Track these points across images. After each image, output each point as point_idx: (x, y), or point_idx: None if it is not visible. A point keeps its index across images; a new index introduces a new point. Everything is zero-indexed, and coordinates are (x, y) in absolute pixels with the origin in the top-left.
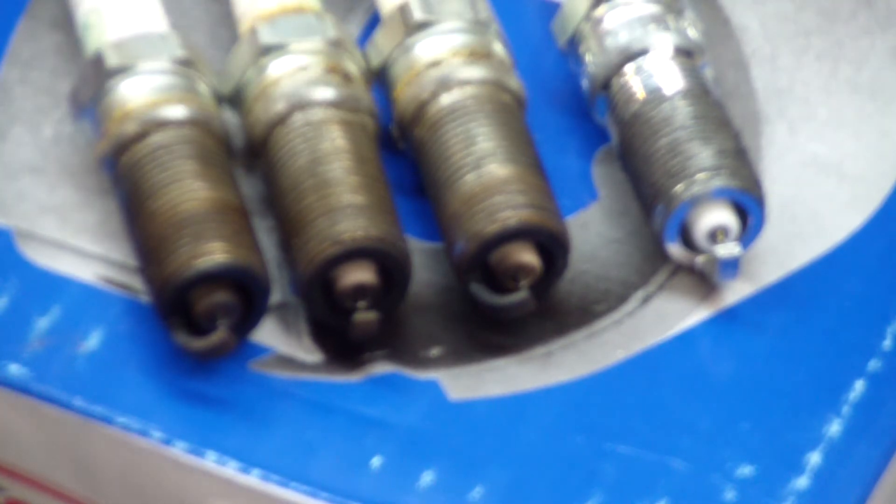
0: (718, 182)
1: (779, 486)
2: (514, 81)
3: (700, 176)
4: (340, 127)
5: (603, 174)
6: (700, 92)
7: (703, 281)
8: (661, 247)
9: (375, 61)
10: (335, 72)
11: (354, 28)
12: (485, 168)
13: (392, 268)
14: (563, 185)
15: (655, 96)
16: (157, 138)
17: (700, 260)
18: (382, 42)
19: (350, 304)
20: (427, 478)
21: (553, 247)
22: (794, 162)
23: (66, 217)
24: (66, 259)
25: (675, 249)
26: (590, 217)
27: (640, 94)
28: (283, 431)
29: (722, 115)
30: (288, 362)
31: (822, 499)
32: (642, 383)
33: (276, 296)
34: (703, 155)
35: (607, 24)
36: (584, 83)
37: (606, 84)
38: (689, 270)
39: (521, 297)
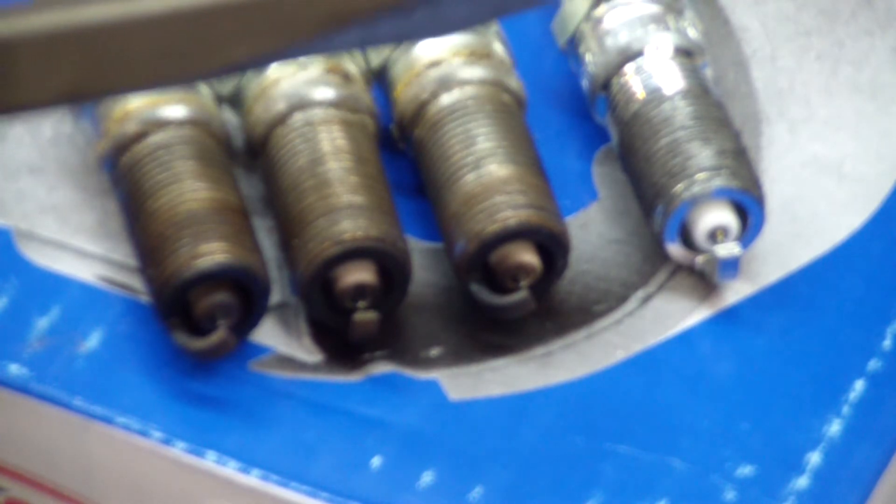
0: (718, 182)
1: (779, 486)
2: (514, 81)
3: (700, 176)
4: (340, 127)
5: (603, 174)
6: (700, 92)
7: (703, 281)
8: (661, 247)
9: (375, 61)
10: (335, 72)
11: None
12: (485, 168)
13: (392, 268)
14: (563, 185)
15: (655, 96)
16: (157, 138)
17: (700, 260)
18: None
19: (350, 304)
20: (427, 478)
21: (553, 247)
22: (794, 162)
23: (66, 217)
24: (66, 259)
25: (675, 249)
26: (590, 217)
27: (641, 94)
28: (283, 431)
29: (722, 115)
30: (288, 362)
31: (822, 499)
32: (642, 383)
33: (276, 296)
34: (703, 155)
35: (607, 24)
36: (584, 83)
37: (606, 84)
38: (689, 270)
39: (521, 297)
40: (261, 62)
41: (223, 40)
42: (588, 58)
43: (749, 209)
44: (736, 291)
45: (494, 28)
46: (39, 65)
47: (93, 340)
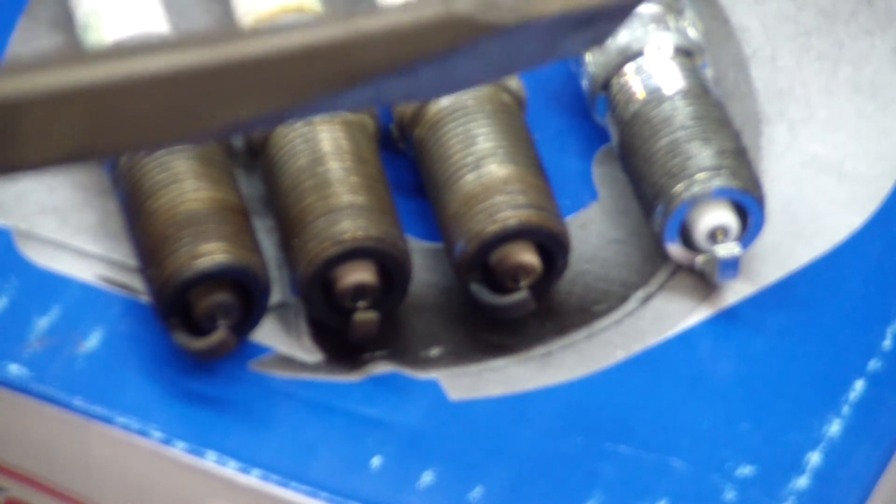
0: (718, 182)
1: (779, 486)
2: (514, 81)
3: (700, 176)
4: (340, 127)
5: (603, 174)
6: (700, 92)
7: (703, 281)
8: (661, 247)
9: None
10: None
11: None
12: (485, 168)
13: (392, 268)
14: (563, 185)
15: (655, 96)
16: None
17: (700, 260)
18: None
19: (350, 304)
20: (427, 478)
21: (553, 247)
22: (794, 162)
23: (66, 217)
24: (66, 259)
25: (675, 249)
26: (590, 217)
27: (640, 94)
28: (283, 431)
29: (722, 115)
30: (288, 362)
31: (822, 499)
32: (642, 383)
33: (276, 296)
34: (703, 155)
35: None
36: (584, 83)
37: (606, 84)
38: (689, 270)
39: (521, 297)
40: (267, 122)
41: (228, 100)
42: (588, 58)
43: (749, 209)
44: (736, 291)
45: None
46: (44, 124)
47: (93, 340)
